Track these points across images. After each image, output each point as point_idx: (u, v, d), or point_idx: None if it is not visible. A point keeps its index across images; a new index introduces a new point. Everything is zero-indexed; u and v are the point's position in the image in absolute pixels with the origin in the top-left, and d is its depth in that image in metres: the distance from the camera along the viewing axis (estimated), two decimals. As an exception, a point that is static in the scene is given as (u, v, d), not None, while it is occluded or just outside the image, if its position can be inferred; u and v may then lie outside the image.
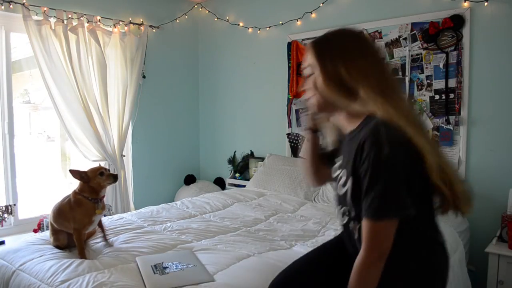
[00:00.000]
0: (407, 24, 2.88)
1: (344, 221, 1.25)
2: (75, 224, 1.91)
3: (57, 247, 1.99)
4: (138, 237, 2.15)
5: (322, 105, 1.23)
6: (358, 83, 1.12)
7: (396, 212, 1.04)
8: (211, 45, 4.19)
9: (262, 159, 3.67)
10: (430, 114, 2.82)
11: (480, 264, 2.51)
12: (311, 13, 3.36)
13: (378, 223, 1.04)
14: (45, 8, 3.02)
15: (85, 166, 2.08)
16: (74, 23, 3.19)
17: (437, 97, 2.79)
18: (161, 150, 4.02)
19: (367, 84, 1.12)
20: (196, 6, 4.11)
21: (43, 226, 2.96)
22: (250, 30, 3.77)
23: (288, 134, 3.57)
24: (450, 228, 2.36)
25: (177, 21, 4.00)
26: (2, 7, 2.86)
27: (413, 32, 2.86)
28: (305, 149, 1.46)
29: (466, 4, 2.63)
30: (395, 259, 1.08)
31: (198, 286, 1.59)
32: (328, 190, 3.00)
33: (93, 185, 1.96)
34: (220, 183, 4.14)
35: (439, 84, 2.78)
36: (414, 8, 2.85)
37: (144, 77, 3.75)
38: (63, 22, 3.10)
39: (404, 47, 2.90)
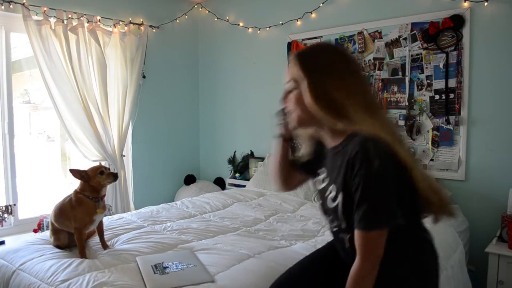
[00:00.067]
0: (407, 24, 2.88)
1: (334, 230, 1.30)
2: (76, 223, 1.91)
3: (58, 246, 1.98)
4: (138, 237, 2.15)
5: (303, 120, 1.23)
6: (346, 101, 1.13)
7: (387, 223, 1.09)
8: (211, 45, 4.19)
9: (262, 159, 3.67)
10: (430, 114, 2.82)
11: (480, 264, 2.51)
12: (311, 13, 3.36)
13: (371, 234, 1.09)
14: (45, 8, 3.02)
15: (85, 166, 2.07)
16: (74, 23, 3.19)
17: (437, 97, 2.79)
18: (161, 150, 4.02)
19: (355, 103, 1.14)
20: (196, 6, 4.11)
21: (43, 226, 2.96)
22: (250, 30, 3.77)
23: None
24: (450, 228, 2.37)
25: (177, 21, 4.00)
26: (2, 7, 2.86)
27: (413, 32, 2.86)
28: (275, 156, 1.45)
29: (466, 4, 2.63)
30: (387, 263, 1.13)
31: (199, 286, 1.59)
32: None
33: (93, 184, 1.96)
34: (220, 183, 4.14)
35: (439, 84, 2.78)
36: (414, 8, 2.85)
37: (144, 77, 3.75)
38: (63, 22, 3.10)
39: (404, 47, 2.90)
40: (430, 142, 2.82)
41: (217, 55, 4.15)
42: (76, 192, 1.98)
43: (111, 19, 3.46)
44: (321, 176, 1.31)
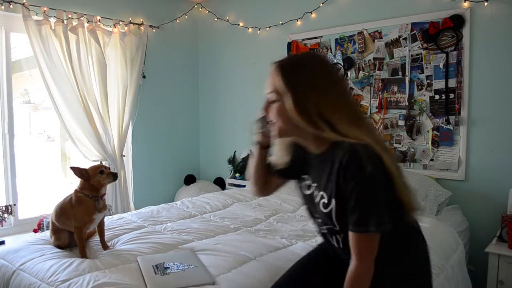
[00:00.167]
0: (407, 24, 2.89)
1: (324, 232, 1.34)
2: (76, 222, 1.91)
3: (58, 246, 1.98)
4: (139, 237, 2.15)
5: (286, 131, 1.24)
6: (331, 113, 1.15)
7: (380, 225, 1.13)
8: (211, 45, 4.19)
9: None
10: (430, 114, 2.82)
11: (480, 264, 2.51)
12: (311, 13, 3.36)
13: (365, 236, 1.14)
14: (45, 8, 3.02)
15: (85, 166, 2.07)
16: (74, 23, 3.19)
17: (437, 97, 2.80)
18: (161, 150, 4.02)
19: (340, 113, 1.15)
20: (196, 6, 4.11)
21: (43, 226, 2.96)
22: (250, 30, 3.77)
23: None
24: (450, 228, 2.37)
25: (177, 21, 4.00)
26: (2, 7, 2.86)
27: (413, 32, 2.86)
28: (253, 163, 1.46)
29: (466, 4, 2.63)
30: (387, 259, 1.19)
31: (199, 287, 1.59)
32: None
33: (93, 183, 1.96)
34: (220, 183, 4.14)
35: (439, 84, 2.78)
36: (414, 8, 2.85)
37: (144, 77, 3.75)
38: (63, 22, 3.10)
39: (404, 47, 2.91)
40: (430, 142, 2.83)
41: (217, 55, 4.15)
42: (76, 191, 1.99)
43: (111, 19, 3.46)
44: (307, 182, 1.33)
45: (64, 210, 1.97)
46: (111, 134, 3.43)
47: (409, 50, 2.88)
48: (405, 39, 2.90)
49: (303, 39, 3.44)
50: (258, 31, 3.72)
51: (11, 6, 2.88)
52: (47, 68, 3.02)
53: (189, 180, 4.12)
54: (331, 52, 3.27)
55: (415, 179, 2.66)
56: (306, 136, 1.23)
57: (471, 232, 2.64)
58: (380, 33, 3.02)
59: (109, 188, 3.33)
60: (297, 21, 3.45)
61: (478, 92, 2.65)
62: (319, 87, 1.16)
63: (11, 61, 3.07)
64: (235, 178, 3.87)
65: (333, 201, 1.19)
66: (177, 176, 4.14)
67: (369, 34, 3.07)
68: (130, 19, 3.60)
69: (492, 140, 2.62)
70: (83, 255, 1.88)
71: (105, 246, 2.03)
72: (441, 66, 2.75)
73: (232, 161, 3.96)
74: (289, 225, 2.41)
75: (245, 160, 3.85)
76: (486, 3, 2.56)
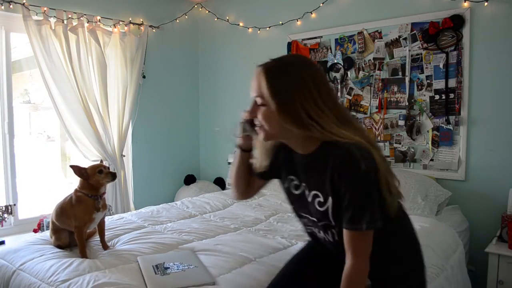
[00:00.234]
0: (407, 24, 2.88)
1: (309, 230, 1.40)
2: (76, 221, 1.91)
3: (59, 246, 1.99)
4: (139, 237, 2.15)
5: (273, 135, 1.24)
6: (320, 113, 1.15)
7: (374, 222, 1.15)
8: (211, 45, 4.19)
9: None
10: (430, 114, 2.82)
11: (480, 264, 2.51)
12: (311, 13, 3.36)
13: (361, 234, 1.16)
14: (45, 8, 3.02)
15: (85, 165, 2.07)
16: (74, 23, 3.19)
17: (437, 97, 2.80)
18: (161, 150, 4.01)
19: (329, 116, 1.16)
20: (196, 6, 4.11)
21: (43, 226, 2.96)
22: (250, 30, 3.77)
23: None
24: (450, 228, 2.37)
25: (177, 21, 4.00)
26: (2, 7, 2.86)
27: (413, 32, 2.86)
28: (235, 166, 1.46)
29: (466, 4, 2.63)
30: (388, 259, 1.27)
31: (200, 287, 1.59)
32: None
33: (92, 182, 1.96)
34: (220, 183, 4.14)
35: (439, 84, 2.78)
36: (414, 8, 2.85)
37: (144, 77, 3.75)
38: (63, 22, 3.10)
39: (404, 47, 2.91)
40: (430, 142, 2.83)
41: (217, 55, 4.15)
42: (76, 190, 1.99)
43: (111, 19, 3.46)
44: (295, 182, 1.34)
45: (64, 209, 1.97)
46: (111, 134, 3.43)
47: (409, 50, 2.88)
48: (405, 39, 2.90)
49: (303, 39, 3.44)
50: (258, 31, 3.72)
51: (11, 6, 2.88)
52: (47, 68, 3.02)
53: (189, 180, 4.12)
54: (331, 52, 3.27)
55: (415, 179, 2.67)
56: (294, 137, 1.24)
57: (471, 232, 2.64)
58: (380, 33, 3.02)
59: (109, 188, 3.33)
60: (297, 21, 3.45)
61: (478, 92, 2.65)
62: (306, 89, 1.16)
63: (11, 61, 3.06)
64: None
65: (330, 200, 1.21)
66: (177, 176, 4.14)
67: (369, 34, 3.07)
68: (130, 19, 3.60)
69: (492, 140, 2.62)
70: (83, 255, 1.89)
71: (105, 246, 2.03)
72: (441, 66, 2.75)
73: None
74: (289, 225, 2.41)
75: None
76: (486, 3, 2.56)
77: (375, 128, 3.08)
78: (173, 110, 4.11)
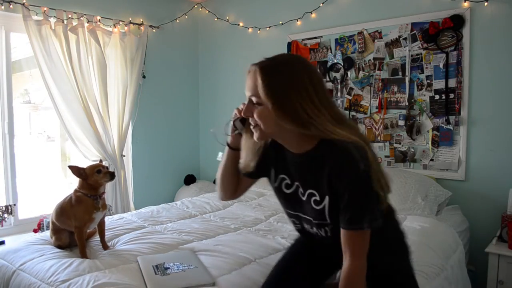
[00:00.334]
0: (407, 24, 2.88)
1: (297, 227, 1.41)
2: (76, 221, 1.91)
3: (59, 246, 1.99)
4: (139, 237, 2.15)
5: (269, 134, 1.24)
6: (317, 113, 1.15)
7: (373, 221, 1.17)
8: (211, 45, 4.19)
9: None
10: (430, 114, 2.82)
11: (480, 264, 2.51)
12: (311, 13, 3.36)
13: (360, 233, 1.17)
14: (45, 8, 3.02)
15: (85, 165, 2.07)
16: (74, 23, 3.19)
17: (437, 97, 2.79)
18: (161, 150, 4.01)
19: (325, 115, 1.16)
20: (196, 6, 4.11)
21: (43, 226, 2.96)
22: (250, 30, 3.77)
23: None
24: (450, 228, 2.37)
25: (177, 21, 4.00)
26: (2, 7, 2.86)
27: (413, 32, 2.86)
28: (224, 166, 1.46)
29: (466, 4, 2.63)
30: (381, 244, 1.26)
31: None
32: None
33: (91, 182, 1.96)
34: (220, 183, 4.13)
35: (439, 84, 2.78)
36: (414, 8, 2.85)
37: (144, 77, 3.75)
38: (63, 22, 3.10)
39: (404, 47, 2.91)
40: (430, 142, 2.83)
41: (217, 55, 4.15)
42: (75, 190, 1.99)
43: (111, 19, 3.46)
44: (286, 181, 1.34)
45: (64, 209, 1.97)
46: (111, 134, 3.43)
47: (409, 50, 2.88)
48: (405, 39, 2.90)
49: (303, 39, 3.44)
50: (258, 31, 3.72)
51: (11, 6, 2.88)
52: (47, 68, 3.02)
53: (189, 180, 4.12)
54: (331, 52, 3.27)
55: (415, 179, 2.66)
56: (289, 136, 1.23)
57: (471, 232, 2.64)
58: (380, 33, 3.02)
59: (109, 188, 3.33)
60: (297, 21, 3.45)
61: (478, 92, 2.65)
62: (303, 88, 1.15)
63: (11, 61, 3.06)
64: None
65: (327, 198, 1.21)
66: (177, 176, 4.14)
67: (369, 34, 3.07)
68: (130, 19, 3.60)
69: (492, 140, 2.62)
70: (83, 255, 1.88)
71: (105, 246, 2.03)
72: (441, 66, 2.75)
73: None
74: (289, 225, 2.40)
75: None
76: (486, 3, 2.56)
77: (375, 128, 3.08)
78: (173, 110, 4.11)
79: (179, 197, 3.95)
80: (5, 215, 2.89)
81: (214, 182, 4.15)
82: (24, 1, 2.90)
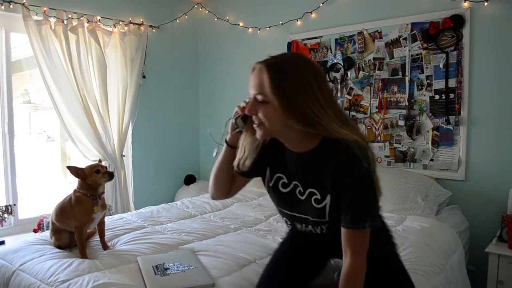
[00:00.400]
0: (407, 24, 2.88)
1: (290, 226, 1.42)
2: (76, 221, 1.91)
3: (59, 247, 1.99)
4: (139, 237, 2.15)
5: (273, 132, 1.24)
6: (323, 113, 1.16)
7: (374, 220, 1.20)
8: (211, 45, 4.19)
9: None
10: (430, 114, 2.82)
11: (480, 264, 2.51)
12: (311, 13, 3.36)
13: (360, 232, 1.18)
14: (45, 8, 3.02)
15: (85, 165, 2.07)
16: (74, 23, 3.18)
17: (437, 97, 2.79)
18: (161, 150, 4.01)
19: (330, 115, 1.16)
20: (196, 6, 4.11)
21: (43, 226, 2.96)
22: (250, 30, 3.77)
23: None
24: (450, 228, 2.36)
25: (177, 21, 4.00)
26: (2, 7, 2.86)
27: (413, 32, 2.86)
28: (220, 164, 1.45)
29: (466, 4, 2.63)
30: (376, 247, 1.28)
31: (199, 288, 1.59)
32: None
33: (89, 182, 1.96)
34: (220, 183, 4.13)
35: (439, 84, 2.78)
36: (414, 8, 2.85)
37: (144, 77, 3.75)
38: (63, 22, 3.09)
39: (404, 47, 2.90)
40: (430, 142, 2.83)
41: (217, 55, 4.15)
42: (75, 190, 1.99)
43: (111, 19, 3.46)
44: (284, 180, 1.35)
45: (64, 210, 1.97)
46: (111, 134, 3.43)
47: (409, 50, 2.88)
48: (405, 39, 2.90)
49: (303, 39, 3.43)
50: (258, 31, 3.72)
51: (11, 6, 2.88)
52: (47, 68, 3.02)
53: (189, 180, 4.12)
54: (331, 52, 3.27)
55: (415, 179, 2.66)
56: (293, 135, 1.23)
57: (471, 232, 2.63)
58: (380, 33, 3.02)
59: (109, 188, 3.34)
60: (297, 21, 3.45)
61: (478, 92, 2.65)
62: (309, 87, 1.15)
63: (11, 61, 3.06)
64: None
65: (329, 197, 1.21)
66: (177, 176, 4.14)
67: (369, 34, 3.07)
68: (130, 19, 3.59)
69: (492, 140, 2.61)
70: (83, 255, 1.89)
71: (105, 246, 2.03)
72: (441, 66, 2.75)
73: (232, 161, 3.95)
74: (289, 225, 2.41)
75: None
76: (486, 3, 2.56)
77: (375, 128, 3.08)
78: (173, 110, 4.11)
79: (179, 197, 3.95)
80: (5, 215, 2.89)
81: (214, 182, 4.17)
82: (24, 1, 2.90)
